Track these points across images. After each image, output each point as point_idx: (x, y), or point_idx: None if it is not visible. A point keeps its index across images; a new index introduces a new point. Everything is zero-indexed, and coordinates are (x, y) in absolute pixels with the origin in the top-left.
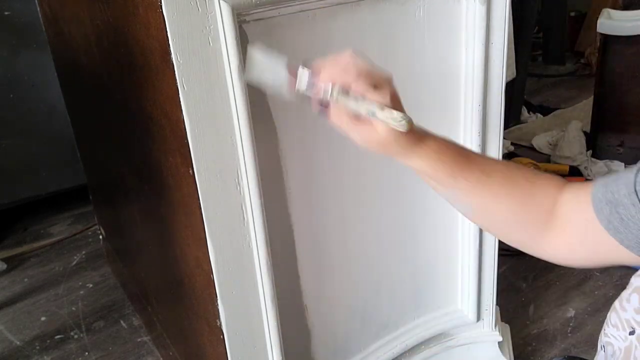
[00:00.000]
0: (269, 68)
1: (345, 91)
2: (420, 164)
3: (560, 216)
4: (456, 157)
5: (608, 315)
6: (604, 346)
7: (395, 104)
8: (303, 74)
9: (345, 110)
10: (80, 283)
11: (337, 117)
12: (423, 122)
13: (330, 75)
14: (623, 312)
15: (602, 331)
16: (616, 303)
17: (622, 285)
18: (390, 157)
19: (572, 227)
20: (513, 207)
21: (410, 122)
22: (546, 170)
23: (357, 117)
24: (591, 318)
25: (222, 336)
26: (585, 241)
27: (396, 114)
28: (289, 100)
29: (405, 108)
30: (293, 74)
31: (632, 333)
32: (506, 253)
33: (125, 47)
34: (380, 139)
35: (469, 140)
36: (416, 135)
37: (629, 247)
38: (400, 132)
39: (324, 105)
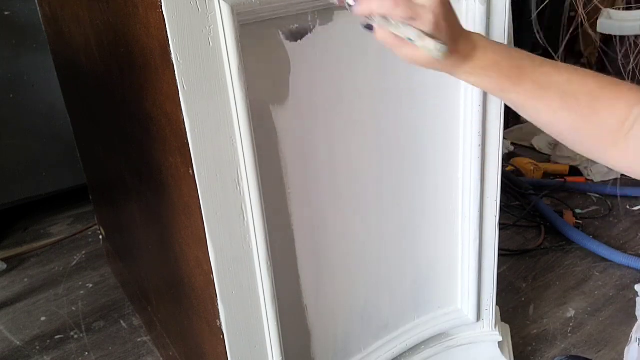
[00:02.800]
0: None
1: (385, 18)
2: (468, 80)
3: (634, 134)
4: (507, 71)
5: None
6: (638, 338)
7: (439, 29)
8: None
9: (389, 35)
10: (80, 283)
11: (383, 36)
12: (423, 121)
13: (369, 3)
14: None
15: (637, 325)
16: None
17: (622, 285)
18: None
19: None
20: (572, 123)
21: (445, 52)
22: (546, 170)
23: (402, 40)
24: (591, 318)
25: (222, 336)
26: None
27: (430, 43)
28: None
29: (405, 107)
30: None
31: None
32: (506, 253)
33: (125, 47)
34: (423, 60)
35: (469, 140)
36: (462, 53)
37: None
38: (443, 55)
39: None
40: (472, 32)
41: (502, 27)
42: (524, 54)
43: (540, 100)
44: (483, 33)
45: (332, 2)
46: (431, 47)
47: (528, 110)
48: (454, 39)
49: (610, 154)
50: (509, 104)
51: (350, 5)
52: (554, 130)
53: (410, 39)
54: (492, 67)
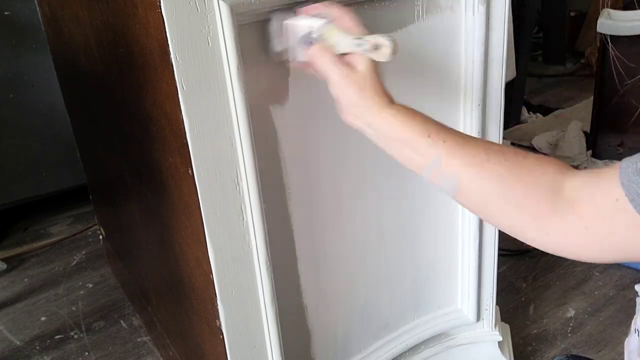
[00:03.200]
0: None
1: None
2: (392, 121)
3: (572, 201)
4: (431, 120)
5: None
6: (637, 330)
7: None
8: (287, 25)
9: (328, 48)
10: (80, 283)
11: (320, 55)
12: None
13: (316, 9)
14: None
15: (636, 316)
16: None
17: (622, 285)
18: (360, 118)
19: (591, 211)
20: (502, 179)
21: (395, 44)
22: None
23: (339, 56)
24: (591, 318)
25: (222, 336)
26: (603, 227)
27: (383, 36)
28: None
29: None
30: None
31: None
32: (506, 253)
33: (125, 47)
34: (358, 78)
35: None
36: (386, 96)
37: None
38: (379, 69)
39: (305, 46)
40: None
41: (502, 27)
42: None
43: (466, 151)
44: (483, 33)
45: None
46: (385, 39)
47: (450, 166)
48: (381, 84)
49: (552, 225)
50: (428, 170)
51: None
52: (482, 197)
53: (357, 43)
54: (418, 113)
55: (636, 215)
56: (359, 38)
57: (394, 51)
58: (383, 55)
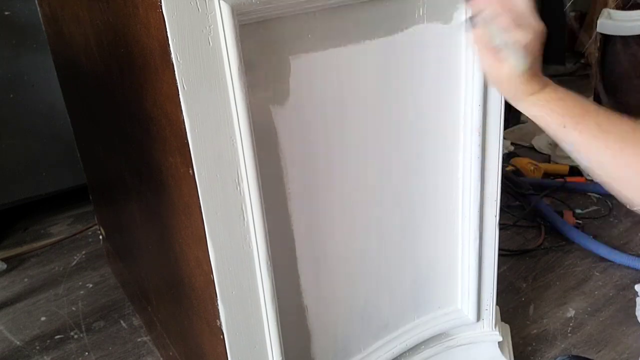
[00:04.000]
0: None
1: (491, 18)
2: (531, 111)
3: None
4: (571, 109)
5: None
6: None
7: (532, 48)
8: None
9: (485, 36)
10: (80, 283)
11: (478, 36)
12: (423, 122)
13: (484, 3)
14: None
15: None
16: None
17: (622, 285)
18: (507, 98)
19: None
20: (628, 164)
21: (526, 67)
22: (546, 170)
23: (492, 47)
24: (591, 318)
25: (222, 336)
26: None
27: (517, 54)
28: None
29: (405, 107)
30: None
31: None
32: (506, 253)
33: (125, 47)
34: (503, 73)
35: (469, 140)
36: (537, 83)
37: None
38: (521, 72)
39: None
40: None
41: None
42: (589, 100)
43: (599, 142)
44: None
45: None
46: (517, 57)
47: (586, 152)
48: (535, 71)
49: None
50: (565, 145)
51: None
52: (607, 174)
53: (503, 42)
54: (557, 102)
55: None
56: (505, 41)
57: (522, 69)
58: (514, 63)
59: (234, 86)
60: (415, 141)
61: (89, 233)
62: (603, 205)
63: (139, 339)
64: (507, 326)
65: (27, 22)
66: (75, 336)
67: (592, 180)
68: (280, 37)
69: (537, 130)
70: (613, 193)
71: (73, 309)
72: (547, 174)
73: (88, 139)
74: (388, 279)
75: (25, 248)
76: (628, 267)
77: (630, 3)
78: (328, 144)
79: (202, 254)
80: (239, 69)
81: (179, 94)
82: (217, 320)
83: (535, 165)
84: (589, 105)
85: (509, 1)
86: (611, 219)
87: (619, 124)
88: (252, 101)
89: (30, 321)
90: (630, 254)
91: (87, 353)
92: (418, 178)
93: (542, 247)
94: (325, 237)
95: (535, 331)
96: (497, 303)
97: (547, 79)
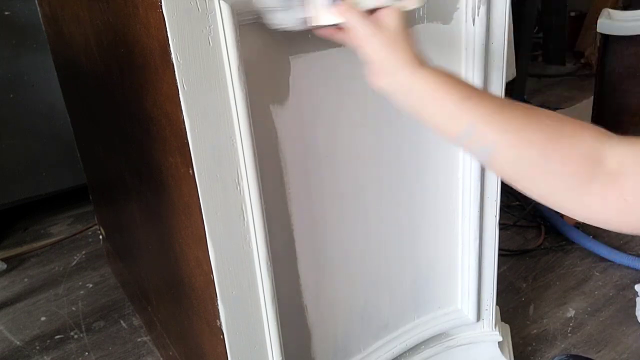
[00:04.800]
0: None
1: None
2: (426, 82)
3: (613, 172)
4: (467, 84)
5: None
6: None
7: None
8: None
9: (353, 5)
10: (80, 283)
11: (346, 12)
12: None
13: None
14: None
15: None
16: None
17: (622, 285)
18: (392, 77)
19: (632, 185)
20: (544, 149)
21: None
22: None
23: (366, 12)
24: (591, 318)
25: (222, 336)
26: None
27: None
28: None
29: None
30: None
31: None
32: (506, 253)
33: (125, 47)
34: (389, 34)
35: None
36: (422, 56)
37: None
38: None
39: (328, 7)
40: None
41: (502, 27)
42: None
43: (506, 118)
44: (483, 32)
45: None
46: None
47: (493, 134)
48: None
49: (591, 194)
50: (462, 134)
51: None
52: (519, 164)
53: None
54: (450, 76)
55: None
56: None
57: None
58: (411, 2)
59: (234, 86)
60: (415, 141)
61: (89, 233)
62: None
63: (139, 339)
64: (507, 326)
65: (27, 22)
66: (75, 336)
67: None
68: (280, 37)
69: None
70: (530, 193)
71: (73, 309)
72: None
73: (88, 139)
74: (388, 279)
75: (25, 248)
76: (628, 267)
77: (631, 2)
78: (328, 144)
79: (202, 254)
80: (239, 69)
81: (179, 94)
82: (217, 320)
83: None
84: (477, 87)
85: None
86: None
87: (516, 104)
88: (252, 101)
89: (30, 321)
90: (630, 254)
91: (87, 353)
92: (418, 178)
93: (542, 247)
94: (325, 237)
95: (535, 331)
96: (497, 303)
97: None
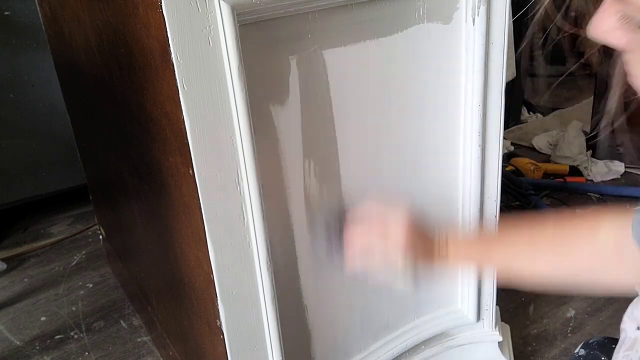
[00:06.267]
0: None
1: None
2: (457, 264)
3: (617, 254)
4: (483, 247)
5: (630, 305)
6: (623, 329)
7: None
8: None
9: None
10: (80, 283)
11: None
12: (423, 122)
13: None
14: (636, 310)
15: (624, 316)
16: (637, 299)
17: None
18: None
19: (626, 265)
20: (556, 260)
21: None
22: (546, 170)
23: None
24: (591, 318)
25: (222, 336)
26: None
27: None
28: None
29: (406, 108)
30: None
31: (638, 329)
32: None
33: (125, 47)
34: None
35: (469, 140)
36: (438, 256)
37: None
38: (415, 269)
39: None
40: (446, 241)
41: (502, 27)
42: (491, 234)
43: (536, 251)
44: (483, 33)
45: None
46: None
47: (533, 266)
48: (429, 250)
49: (614, 273)
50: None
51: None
52: (567, 275)
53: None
54: (465, 251)
55: None
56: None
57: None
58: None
59: (234, 86)
60: (415, 141)
61: (89, 233)
62: (603, 205)
63: (139, 339)
64: (507, 326)
65: (27, 22)
66: (75, 336)
67: (592, 180)
68: (280, 37)
69: (537, 130)
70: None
71: (73, 309)
72: (547, 174)
73: (88, 139)
74: None
75: (25, 248)
76: None
77: None
78: (328, 143)
79: (202, 254)
80: (239, 69)
81: (179, 94)
82: (217, 320)
83: (535, 165)
84: (492, 240)
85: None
86: None
87: (524, 232)
88: (252, 101)
89: (30, 321)
90: None
91: (87, 353)
92: (418, 178)
93: None
94: None
95: (535, 331)
96: (497, 303)
97: (441, 238)
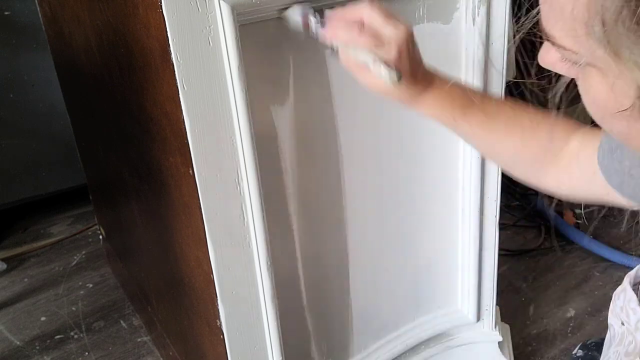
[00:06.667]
0: (292, 15)
1: (348, 42)
2: (426, 111)
3: (566, 156)
4: (459, 102)
5: (611, 302)
6: (611, 325)
7: (401, 62)
8: (313, 23)
9: (350, 58)
10: (80, 283)
11: (346, 62)
12: (423, 121)
13: (336, 30)
14: (617, 306)
15: (609, 312)
16: (614, 294)
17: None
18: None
19: (577, 170)
20: (515, 147)
21: (395, 80)
22: None
23: (361, 65)
24: (591, 318)
25: (222, 336)
26: (587, 185)
27: (383, 70)
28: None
29: (404, 110)
30: (305, 22)
31: (622, 324)
32: (506, 253)
33: (125, 47)
34: (381, 87)
35: None
36: (420, 84)
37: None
38: (396, 83)
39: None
40: (431, 69)
41: (502, 27)
42: (475, 90)
43: (487, 128)
44: (483, 33)
45: (296, 23)
46: (384, 74)
47: (476, 140)
48: (414, 74)
49: (550, 176)
50: (459, 135)
51: (315, 32)
52: (498, 158)
53: (367, 64)
54: (444, 98)
55: (608, 186)
56: (367, 62)
57: (393, 84)
58: (385, 75)
59: (234, 86)
60: (415, 141)
61: (89, 233)
62: (603, 205)
63: (139, 339)
64: (507, 326)
65: (27, 22)
66: (75, 336)
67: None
68: (280, 37)
69: None
70: (514, 178)
71: (73, 309)
72: None
73: (88, 139)
74: (388, 279)
75: (25, 248)
76: (628, 267)
77: None
78: (328, 143)
79: (202, 254)
80: (239, 69)
81: (179, 94)
82: (217, 320)
83: None
84: (475, 94)
85: (356, 23)
86: (611, 219)
87: (505, 109)
88: (252, 101)
89: (30, 321)
90: (630, 254)
91: (87, 353)
92: (418, 178)
93: (542, 247)
94: (325, 237)
95: (535, 331)
96: (497, 303)
97: (432, 74)
